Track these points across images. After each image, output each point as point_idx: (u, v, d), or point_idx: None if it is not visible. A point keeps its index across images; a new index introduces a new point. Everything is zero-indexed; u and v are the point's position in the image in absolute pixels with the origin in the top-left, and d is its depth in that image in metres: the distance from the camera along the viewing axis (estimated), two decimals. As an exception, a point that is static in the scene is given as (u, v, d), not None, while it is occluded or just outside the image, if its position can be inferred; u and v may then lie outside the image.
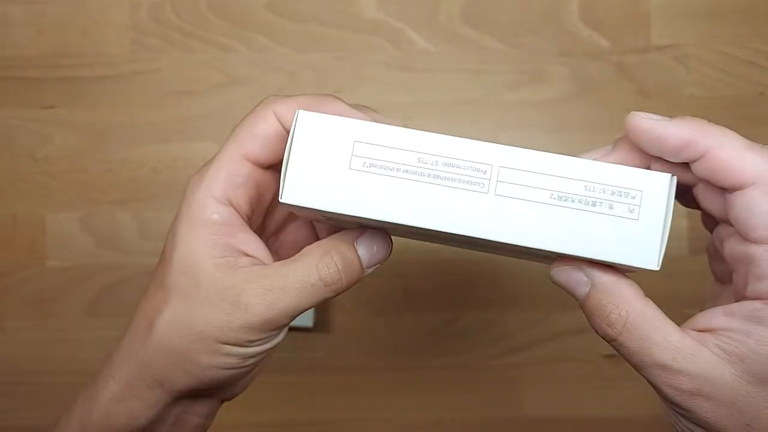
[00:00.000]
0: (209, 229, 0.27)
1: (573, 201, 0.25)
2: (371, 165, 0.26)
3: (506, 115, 0.50)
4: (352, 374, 0.50)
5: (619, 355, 0.26)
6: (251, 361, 0.28)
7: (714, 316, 0.25)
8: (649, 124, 0.24)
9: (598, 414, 0.50)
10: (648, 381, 0.25)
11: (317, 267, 0.27)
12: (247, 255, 0.28)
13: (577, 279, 0.26)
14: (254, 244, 0.28)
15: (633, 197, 0.25)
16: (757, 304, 0.23)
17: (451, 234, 0.25)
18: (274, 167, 0.29)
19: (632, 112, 0.25)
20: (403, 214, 0.25)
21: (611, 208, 0.25)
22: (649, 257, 0.25)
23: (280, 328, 0.28)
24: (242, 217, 0.28)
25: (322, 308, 0.50)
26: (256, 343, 0.27)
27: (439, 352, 0.50)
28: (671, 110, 0.50)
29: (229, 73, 0.50)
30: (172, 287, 0.27)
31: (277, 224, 0.32)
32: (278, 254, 0.32)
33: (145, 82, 0.50)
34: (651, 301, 0.25)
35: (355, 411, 0.50)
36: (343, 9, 0.50)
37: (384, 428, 0.50)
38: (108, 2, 0.51)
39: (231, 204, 0.28)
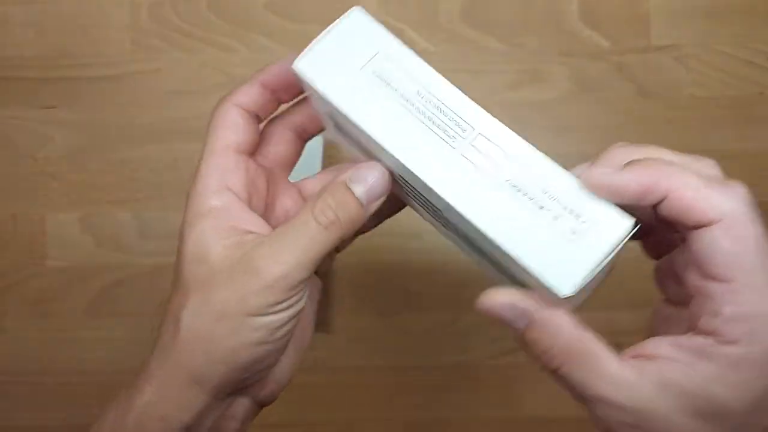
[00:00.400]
0: (212, 216, 0.28)
1: (524, 194, 0.25)
2: (378, 76, 0.27)
3: (506, 114, 0.49)
4: (353, 374, 0.50)
5: (559, 385, 0.26)
6: (279, 333, 0.28)
7: (660, 345, 0.24)
8: (604, 180, 0.24)
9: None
10: (590, 412, 0.25)
11: (312, 213, 0.27)
12: (252, 232, 0.28)
13: (514, 312, 0.26)
14: (257, 222, 0.29)
15: (583, 221, 0.25)
16: (708, 340, 0.23)
17: (406, 170, 0.26)
18: (257, 153, 0.31)
19: (591, 167, 0.25)
20: (375, 128, 0.26)
21: (555, 219, 0.25)
22: (565, 280, 0.24)
23: (297, 285, 0.27)
24: (242, 200, 0.29)
25: (323, 308, 0.50)
26: (278, 307, 0.27)
27: (439, 352, 0.50)
28: (671, 110, 0.50)
29: (229, 73, 0.50)
30: (189, 279, 0.28)
31: (273, 199, 0.33)
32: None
33: (145, 82, 0.50)
34: (587, 331, 0.25)
35: (355, 411, 0.50)
36: (343, 9, 0.50)
37: (384, 428, 0.50)
38: (108, 2, 0.51)
39: (229, 189, 0.29)
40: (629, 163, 0.24)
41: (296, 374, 0.50)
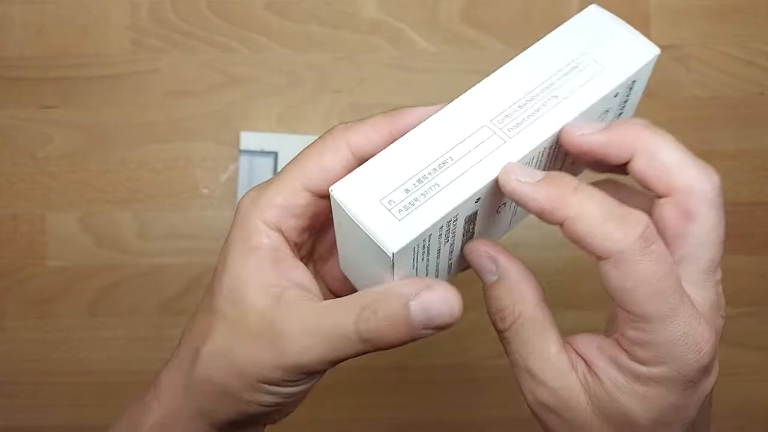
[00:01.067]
0: (260, 255, 0.26)
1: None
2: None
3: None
4: (352, 374, 0.50)
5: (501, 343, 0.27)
6: (292, 398, 0.27)
7: (588, 345, 0.25)
8: (512, 187, 0.24)
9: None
10: (519, 381, 0.26)
11: (356, 320, 0.25)
12: (296, 284, 0.26)
13: (487, 266, 0.26)
14: (302, 274, 0.27)
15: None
16: (622, 352, 0.24)
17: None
18: None
19: (506, 164, 0.25)
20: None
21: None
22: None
23: (314, 373, 0.26)
24: (290, 246, 0.27)
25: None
26: (293, 384, 0.26)
27: (439, 352, 0.50)
28: (671, 110, 0.50)
29: (228, 73, 0.50)
30: (219, 314, 0.26)
31: (327, 249, 0.31)
32: (325, 282, 0.31)
33: (145, 82, 0.50)
34: (547, 309, 0.26)
35: (355, 410, 0.50)
36: (342, 9, 0.50)
37: (384, 428, 0.50)
38: (108, 2, 0.51)
39: (281, 231, 0.27)
40: (610, 124, 0.25)
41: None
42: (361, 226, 0.24)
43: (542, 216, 0.24)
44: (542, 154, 0.26)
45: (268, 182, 0.27)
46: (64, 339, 0.50)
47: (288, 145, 0.48)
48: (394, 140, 0.26)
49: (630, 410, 0.24)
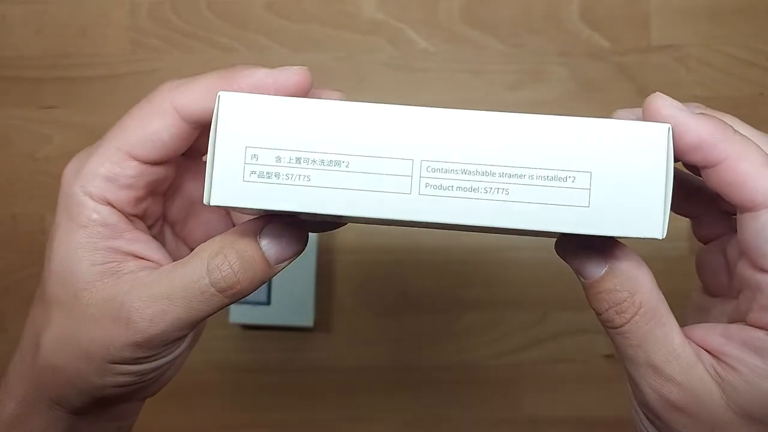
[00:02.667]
0: (88, 231, 0.24)
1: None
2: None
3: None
4: (352, 374, 0.50)
5: (613, 341, 0.24)
6: (150, 375, 0.25)
7: (710, 334, 0.23)
8: (670, 112, 0.22)
9: (597, 414, 0.50)
10: (631, 379, 0.24)
11: (207, 269, 0.23)
12: (136, 257, 0.24)
13: (593, 258, 0.23)
14: (145, 243, 0.25)
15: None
16: (759, 333, 0.22)
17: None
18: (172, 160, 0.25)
19: (656, 93, 0.22)
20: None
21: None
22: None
23: (171, 343, 0.24)
24: (126, 218, 0.25)
25: (322, 308, 0.50)
26: (148, 360, 0.24)
27: (439, 353, 0.50)
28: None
29: (228, 73, 0.50)
30: (53, 300, 0.24)
31: (184, 210, 0.29)
32: (188, 244, 0.29)
33: (145, 82, 0.50)
34: (661, 293, 0.23)
35: (354, 411, 0.50)
36: (342, 9, 0.50)
37: (383, 428, 0.50)
38: (108, 2, 0.51)
39: (111, 205, 0.24)
40: (703, 114, 0.22)
41: (296, 374, 0.50)
42: (209, 157, 0.22)
43: (695, 151, 0.21)
44: None
45: (92, 148, 0.25)
46: (64, 339, 0.50)
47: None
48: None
49: None
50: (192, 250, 0.27)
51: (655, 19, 0.50)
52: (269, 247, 0.24)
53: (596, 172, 0.22)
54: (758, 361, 0.22)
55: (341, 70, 0.50)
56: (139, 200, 0.25)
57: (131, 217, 0.25)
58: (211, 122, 0.22)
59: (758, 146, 0.21)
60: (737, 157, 0.21)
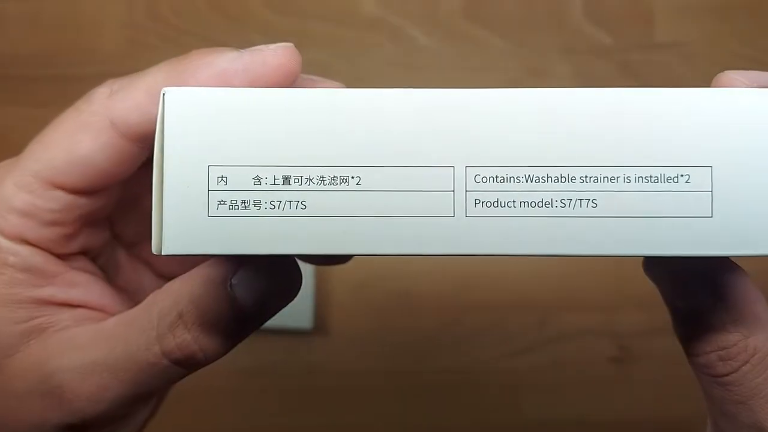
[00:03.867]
0: (6, 280, 0.18)
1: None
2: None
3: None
4: (351, 378, 0.50)
5: (708, 391, 0.19)
6: None
7: None
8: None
9: (601, 418, 0.49)
10: None
11: (157, 334, 0.17)
12: (72, 305, 0.19)
13: (699, 283, 0.18)
14: (85, 287, 0.20)
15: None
16: None
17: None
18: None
19: (726, 71, 0.17)
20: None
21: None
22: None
23: (119, 421, 0.19)
24: (58, 257, 0.19)
25: (321, 310, 0.49)
26: None
27: (440, 356, 0.50)
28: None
29: (226, 71, 0.50)
30: None
31: (141, 225, 0.23)
32: (154, 267, 0.23)
33: (141, 80, 0.50)
34: None
35: (353, 415, 0.50)
36: (341, 5, 0.50)
37: (383, 432, 0.50)
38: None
39: (33, 245, 0.19)
40: None
41: (294, 378, 0.50)
42: (155, 185, 0.15)
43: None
44: None
45: (2, 173, 0.19)
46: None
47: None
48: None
49: None
50: (160, 273, 0.22)
51: (659, 16, 0.50)
52: (245, 297, 0.17)
53: (719, 165, 0.15)
54: None
55: (340, 68, 0.50)
56: (70, 237, 0.19)
57: (64, 255, 0.20)
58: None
59: None
60: None
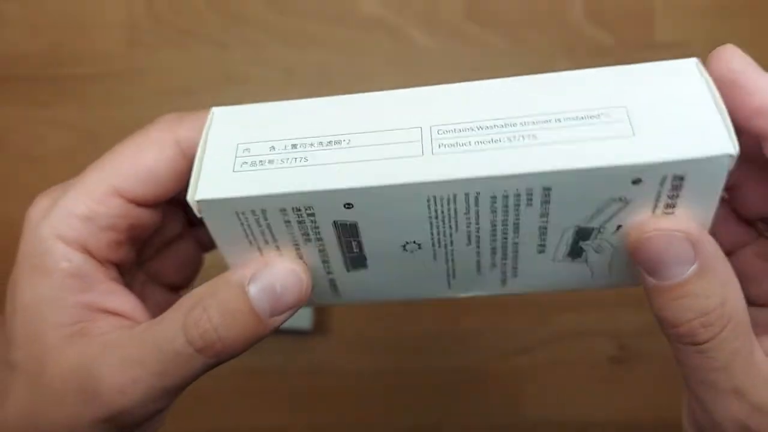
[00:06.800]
0: (55, 283, 0.20)
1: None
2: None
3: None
4: (351, 377, 0.50)
5: (684, 361, 0.20)
6: None
7: None
8: (741, 67, 0.19)
9: (602, 417, 0.49)
10: (700, 404, 0.20)
11: (183, 325, 0.19)
12: (109, 313, 0.21)
13: (682, 253, 0.19)
14: (119, 297, 0.21)
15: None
16: None
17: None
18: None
19: (727, 44, 0.20)
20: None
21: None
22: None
23: (148, 416, 0.20)
24: (102, 265, 0.21)
25: (320, 310, 0.49)
26: None
27: (441, 355, 0.50)
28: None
29: (225, 71, 0.50)
30: (17, 368, 0.21)
31: (157, 245, 0.25)
32: (159, 279, 0.25)
33: (142, 80, 0.50)
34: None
35: (354, 414, 0.50)
36: (341, 4, 0.50)
37: (384, 432, 0.50)
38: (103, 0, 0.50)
39: (88, 251, 0.21)
40: None
41: (294, 377, 0.49)
42: (198, 157, 0.20)
43: (759, 117, 0.19)
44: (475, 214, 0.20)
45: (67, 185, 0.21)
46: (59, 341, 0.49)
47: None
48: None
49: None
50: (167, 289, 0.24)
51: (660, 16, 0.50)
52: (260, 296, 0.19)
53: (632, 105, 0.19)
54: None
55: (339, 67, 0.50)
56: (118, 245, 0.22)
57: (106, 264, 0.22)
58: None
59: None
60: None
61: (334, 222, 0.20)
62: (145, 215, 0.22)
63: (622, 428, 0.49)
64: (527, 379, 0.49)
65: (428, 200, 0.19)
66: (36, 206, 0.22)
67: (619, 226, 0.20)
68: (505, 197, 0.19)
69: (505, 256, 0.22)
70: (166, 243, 0.25)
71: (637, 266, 0.20)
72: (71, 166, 0.50)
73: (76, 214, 0.21)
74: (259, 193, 0.19)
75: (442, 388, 0.50)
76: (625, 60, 0.52)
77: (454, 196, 0.19)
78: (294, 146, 0.20)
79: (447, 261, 0.22)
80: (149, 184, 0.21)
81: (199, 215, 0.20)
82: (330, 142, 0.20)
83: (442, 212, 0.20)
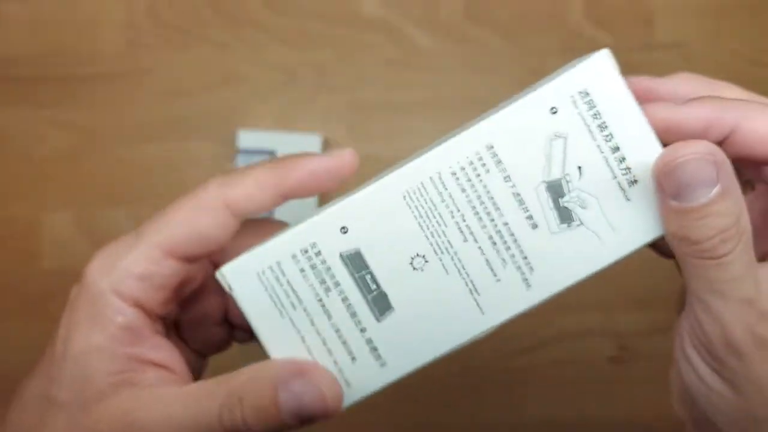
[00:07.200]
0: (109, 335, 0.22)
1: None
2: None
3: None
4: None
5: (696, 277, 0.22)
6: None
7: None
8: (664, 115, 0.22)
9: (602, 416, 0.49)
10: (711, 315, 0.21)
11: (220, 409, 0.22)
12: (155, 364, 0.23)
13: (708, 175, 0.20)
14: (165, 351, 0.24)
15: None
16: None
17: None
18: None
19: (649, 106, 0.22)
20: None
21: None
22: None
23: None
24: (151, 321, 0.24)
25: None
26: None
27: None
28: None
29: (226, 72, 0.50)
30: (59, 404, 0.23)
31: (199, 314, 0.28)
32: (183, 327, 0.28)
33: (141, 80, 0.50)
34: None
35: (354, 415, 0.50)
36: (341, 5, 0.50)
37: (384, 432, 0.50)
38: (103, 0, 0.50)
39: (141, 306, 0.23)
40: (692, 100, 0.22)
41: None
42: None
43: (706, 132, 0.21)
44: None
45: (126, 244, 0.23)
46: (59, 341, 0.49)
47: (287, 144, 0.48)
48: (285, 200, 0.23)
49: None
50: (199, 351, 0.27)
51: (659, 16, 0.50)
52: (288, 400, 0.22)
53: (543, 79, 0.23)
54: None
55: (340, 67, 0.50)
56: (168, 301, 0.24)
57: (154, 318, 0.24)
58: (261, 214, 0.23)
59: (752, 102, 0.22)
60: (748, 117, 0.22)
61: (341, 255, 0.23)
62: (193, 269, 0.24)
63: (622, 428, 0.49)
64: (527, 379, 0.49)
65: (405, 197, 0.22)
66: (96, 263, 0.24)
67: (580, 167, 0.22)
68: (463, 169, 0.22)
69: (506, 244, 0.23)
70: (200, 318, 0.28)
71: (661, 192, 0.21)
72: (71, 166, 0.50)
73: (134, 274, 0.23)
74: (269, 243, 0.22)
75: (442, 388, 0.50)
76: (624, 60, 0.52)
77: (423, 185, 0.22)
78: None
79: (459, 271, 0.23)
80: (202, 245, 0.23)
81: (228, 290, 0.23)
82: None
83: (423, 206, 0.22)
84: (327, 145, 0.48)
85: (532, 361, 0.49)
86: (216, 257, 0.25)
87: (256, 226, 0.25)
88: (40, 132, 0.50)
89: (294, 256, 0.22)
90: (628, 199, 0.22)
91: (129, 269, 0.23)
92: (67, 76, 0.50)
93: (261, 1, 0.50)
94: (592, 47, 0.48)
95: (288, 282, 0.23)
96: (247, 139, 0.48)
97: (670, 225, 0.21)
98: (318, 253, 0.23)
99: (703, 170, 0.20)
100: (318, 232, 0.22)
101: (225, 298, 0.27)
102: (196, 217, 0.23)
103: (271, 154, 0.48)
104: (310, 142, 0.47)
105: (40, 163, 0.50)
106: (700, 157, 0.20)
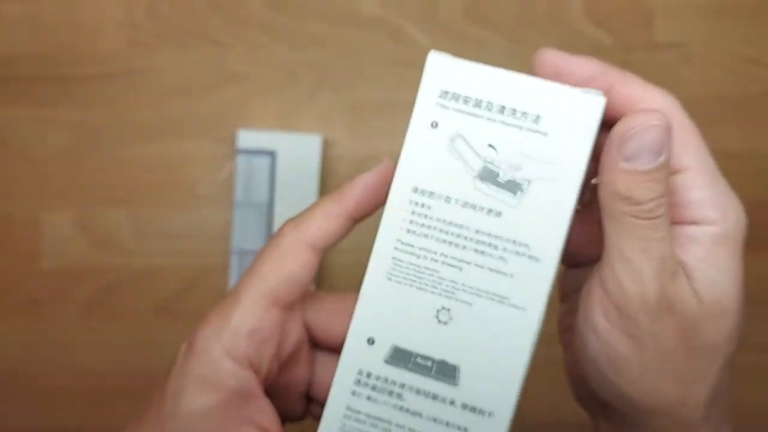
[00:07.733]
0: (221, 398, 0.23)
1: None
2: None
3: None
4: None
5: (620, 235, 0.23)
6: None
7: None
8: (554, 59, 0.25)
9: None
10: (629, 272, 0.23)
11: None
12: (259, 426, 0.24)
13: (661, 143, 0.23)
14: (268, 414, 0.25)
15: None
16: (690, 228, 0.24)
17: None
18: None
19: (541, 48, 0.26)
20: None
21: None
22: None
23: None
24: (260, 383, 0.24)
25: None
26: None
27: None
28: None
29: (225, 71, 0.50)
30: None
31: (296, 373, 0.29)
32: (270, 393, 0.28)
33: (141, 80, 0.50)
34: None
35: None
36: (341, 5, 0.50)
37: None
38: (103, 0, 0.50)
39: (251, 366, 0.24)
40: (581, 55, 0.25)
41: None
42: None
43: (590, 82, 0.24)
44: None
45: (229, 305, 0.24)
46: (59, 341, 0.49)
47: (287, 143, 0.48)
48: (353, 222, 0.25)
49: (710, 278, 0.24)
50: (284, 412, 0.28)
51: (659, 16, 0.50)
52: None
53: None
54: (696, 248, 0.24)
55: (340, 67, 0.50)
56: (273, 358, 0.25)
57: (261, 377, 0.25)
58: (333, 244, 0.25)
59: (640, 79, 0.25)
60: (625, 81, 0.24)
61: (385, 362, 0.24)
62: (290, 325, 0.25)
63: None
64: (527, 379, 0.49)
65: (390, 278, 0.24)
66: (207, 327, 0.24)
67: (491, 145, 0.24)
68: (411, 222, 0.24)
69: (491, 245, 0.24)
70: (287, 386, 0.28)
71: (613, 152, 0.23)
72: (71, 166, 0.50)
73: (244, 332, 0.24)
74: (328, 401, 0.25)
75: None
76: (624, 60, 0.52)
77: (395, 258, 0.24)
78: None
79: (478, 295, 0.25)
80: (292, 288, 0.24)
81: None
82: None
83: (409, 272, 0.24)
84: (327, 145, 0.48)
85: (532, 361, 0.49)
86: (309, 318, 0.26)
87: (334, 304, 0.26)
88: (40, 131, 0.50)
89: (354, 393, 0.24)
90: (545, 134, 0.24)
91: (238, 329, 0.24)
92: (67, 75, 0.50)
93: (261, 1, 0.50)
94: (592, 47, 0.49)
95: (367, 415, 0.24)
96: (247, 138, 0.48)
97: (617, 184, 0.23)
98: (368, 375, 0.24)
99: (660, 139, 0.22)
100: (355, 359, 0.24)
101: (311, 370, 0.28)
102: (283, 263, 0.24)
103: (271, 154, 0.48)
104: (310, 142, 0.47)
105: (39, 162, 0.50)
106: (661, 126, 0.22)
